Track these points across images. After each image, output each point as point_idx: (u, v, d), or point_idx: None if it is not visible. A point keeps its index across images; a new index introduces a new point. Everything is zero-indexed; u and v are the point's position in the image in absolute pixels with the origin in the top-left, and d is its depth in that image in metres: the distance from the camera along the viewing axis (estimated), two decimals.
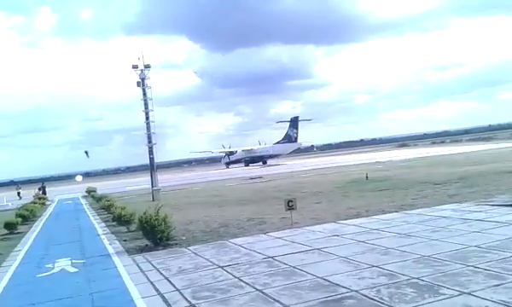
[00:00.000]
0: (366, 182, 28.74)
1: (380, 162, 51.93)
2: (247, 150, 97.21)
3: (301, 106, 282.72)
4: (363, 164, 50.33)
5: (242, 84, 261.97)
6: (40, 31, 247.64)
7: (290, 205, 14.86)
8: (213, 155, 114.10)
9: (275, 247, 11.61)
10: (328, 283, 8.03)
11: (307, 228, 13.97)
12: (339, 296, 7.31)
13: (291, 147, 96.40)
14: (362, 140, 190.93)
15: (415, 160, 48.97)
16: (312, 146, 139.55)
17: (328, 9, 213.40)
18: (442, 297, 6.76)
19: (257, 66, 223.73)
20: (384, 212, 15.47)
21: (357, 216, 15.31)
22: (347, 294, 7.33)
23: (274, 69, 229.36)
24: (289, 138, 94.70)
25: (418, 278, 7.72)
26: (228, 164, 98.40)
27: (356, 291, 7.42)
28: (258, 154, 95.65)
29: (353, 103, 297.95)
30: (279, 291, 7.87)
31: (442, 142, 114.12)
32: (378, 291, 7.30)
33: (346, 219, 14.81)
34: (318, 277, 8.42)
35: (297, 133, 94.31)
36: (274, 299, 7.45)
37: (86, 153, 34.52)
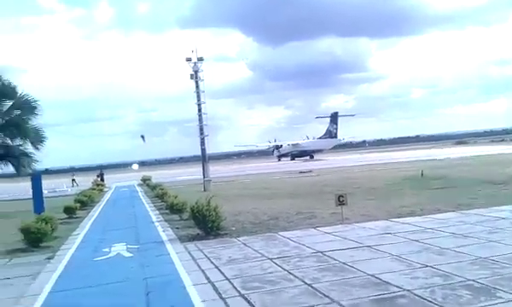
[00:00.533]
0: (421, 179, 27.91)
1: (436, 159, 50.23)
2: (294, 144, 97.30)
3: (354, 100, 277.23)
4: (419, 160, 48.84)
5: (294, 77, 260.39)
6: (98, 25, 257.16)
7: (341, 201, 14.67)
8: (258, 149, 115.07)
9: (324, 242, 11.53)
10: (379, 281, 7.89)
11: (358, 224, 13.77)
12: (390, 294, 7.16)
13: (332, 142, 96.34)
14: (418, 136, 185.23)
15: (473, 158, 46.98)
16: (364, 141, 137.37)
17: (384, 1, 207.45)
18: (499, 300, 6.48)
19: (309, 59, 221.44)
20: (439, 211, 14.96)
21: (411, 214, 14.90)
22: (399, 293, 7.17)
23: (326, 62, 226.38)
24: (330, 134, 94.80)
25: (474, 280, 7.44)
26: (279, 157, 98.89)
27: (408, 290, 7.24)
28: (303, 149, 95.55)
29: (409, 98, 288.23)
30: (328, 286, 7.81)
31: (502, 140, 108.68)
32: (432, 291, 7.10)
33: (398, 217, 14.45)
34: (369, 274, 8.29)
35: (336, 129, 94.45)
36: (323, 294, 7.41)
37: (142, 137, 35.73)
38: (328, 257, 9.93)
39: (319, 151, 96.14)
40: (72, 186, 52.56)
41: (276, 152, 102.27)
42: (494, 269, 8.01)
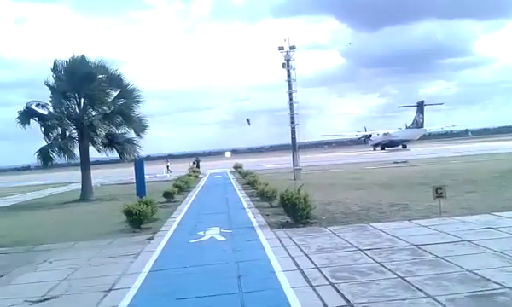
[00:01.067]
0: None
1: None
2: (384, 134, 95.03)
3: (455, 86, 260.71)
4: None
5: (389, 64, 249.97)
6: (197, 17, 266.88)
7: (439, 193, 13.92)
8: (348, 138, 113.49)
9: (419, 235, 11.07)
10: (478, 277, 7.43)
11: (457, 218, 13.01)
12: (490, 291, 6.73)
13: (419, 132, 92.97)
14: None
15: None
16: (467, 130, 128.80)
17: None
18: None
19: (406, 44, 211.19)
20: None
21: None
22: (500, 291, 6.71)
23: (425, 47, 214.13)
24: (417, 123, 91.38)
25: None
26: (375, 146, 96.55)
27: (510, 288, 6.75)
28: (392, 138, 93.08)
29: None
30: (423, 280, 7.51)
31: None
32: None
33: (502, 211, 13.42)
34: (467, 270, 7.83)
35: (423, 118, 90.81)
36: (417, 288, 7.14)
37: (248, 120, 36.39)
38: (424, 250, 9.52)
39: (407, 141, 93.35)
40: (167, 172, 55.27)
41: (369, 141, 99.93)
42: None
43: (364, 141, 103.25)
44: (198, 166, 57.82)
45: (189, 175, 40.84)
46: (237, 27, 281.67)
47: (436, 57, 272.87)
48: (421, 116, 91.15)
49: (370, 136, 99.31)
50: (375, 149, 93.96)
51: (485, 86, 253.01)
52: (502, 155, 43.21)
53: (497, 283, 7.03)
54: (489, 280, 7.23)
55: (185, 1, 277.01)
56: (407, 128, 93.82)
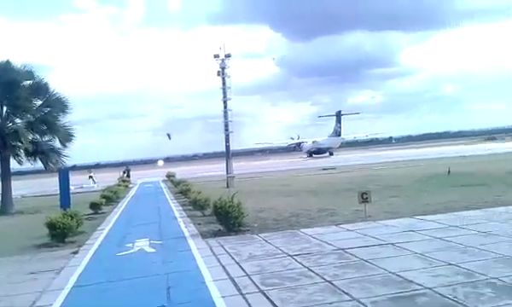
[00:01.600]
0: (448, 176, 27.35)
1: (465, 156, 49.15)
2: (313, 142, 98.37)
3: (382, 95, 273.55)
4: (446, 157, 47.87)
5: (321, 73, 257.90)
6: (131, 22, 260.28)
7: (364, 198, 14.52)
8: (281, 145, 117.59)
9: (346, 239, 11.45)
10: (400, 279, 7.78)
11: (381, 221, 13.59)
12: (411, 292, 7.06)
13: (338, 141, 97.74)
14: (447, 132, 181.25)
15: (502, 155, 45.74)
16: (391, 138, 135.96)
17: None
18: None
19: (337, 55, 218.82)
20: (465, 209, 14.67)
21: (436, 212, 14.60)
22: (420, 291, 7.06)
23: (355, 57, 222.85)
24: (336, 132, 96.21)
25: (497, 278, 7.27)
26: (310, 154, 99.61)
27: (430, 288, 7.13)
28: (319, 146, 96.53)
29: (440, 93, 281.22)
30: (348, 283, 7.75)
31: None
32: (453, 289, 6.97)
33: (423, 215, 14.21)
34: (390, 272, 8.18)
35: (340, 127, 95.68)
36: (343, 291, 7.35)
37: (168, 135, 35.56)
38: (350, 254, 9.86)
39: (330, 149, 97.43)
40: (93, 183, 52.91)
41: (303, 149, 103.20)
42: None
43: (294, 148, 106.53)
44: (128, 176, 56.10)
45: (119, 185, 39.56)
46: (172, 34, 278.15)
47: (365, 67, 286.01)
48: (339, 125, 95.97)
49: (300, 144, 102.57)
50: (308, 156, 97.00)
51: (410, 96, 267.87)
52: (423, 162, 45.87)
53: (418, 284, 7.38)
54: (411, 281, 7.58)
55: (119, 5, 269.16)
56: (329, 136, 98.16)
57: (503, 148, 58.05)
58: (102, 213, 21.92)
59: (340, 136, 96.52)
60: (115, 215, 21.35)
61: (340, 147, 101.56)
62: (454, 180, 24.45)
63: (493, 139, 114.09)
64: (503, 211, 13.78)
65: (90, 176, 56.21)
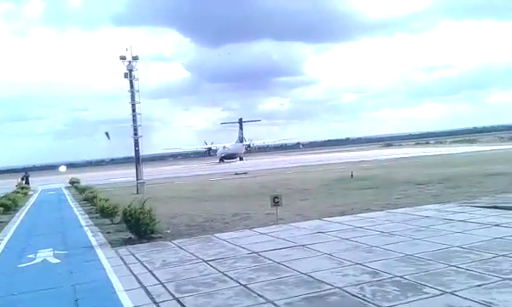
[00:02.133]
0: (351, 180, 28.92)
1: (365, 161, 52.27)
2: (223, 147, 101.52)
3: (289, 103, 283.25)
4: (349, 162, 50.59)
5: (231, 80, 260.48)
6: (28, 19, 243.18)
7: (276, 202, 14.87)
8: (194, 150, 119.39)
9: (260, 243, 11.62)
10: (312, 279, 8.06)
11: (292, 224, 14.00)
12: (322, 292, 7.34)
13: (242, 146, 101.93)
14: (348, 138, 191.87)
15: (399, 160, 49.38)
16: (298, 143, 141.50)
17: (318, 7, 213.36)
18: (425, 296, 6.82)
19: (246, 62, 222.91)
20: (368, 211, 15.58)
21: (342, 213, 15.38)
22: (331, 291, 7.36)
23: (263, 65, 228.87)
24: (240, 139, 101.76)
25: (401, 276, 7.79)
26: (221, 159, 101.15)
27: (339, 288, 7.46)
28: (229, 152, 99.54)
29: (341, 102, 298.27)
30: (263, 286, 7.88)
31: (426, 143, 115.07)
32: (361, 288, 7.35)
33: (330, 217, 14.87)
34: (302, 273, 8.45)
35: (242, 134, 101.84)
36: (258, 294, 7.45)
37: (107, 134, 32.96)
38: (264, 257, 10.02)
39: (238, 154, 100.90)
40: None
41: (217, 153, 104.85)
42: (419, 265, 8.43)
43: (206, 153, 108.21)
44: (27, 182, 52.42)
45: (17, 192, 36.75)
46: (74, 33, 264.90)
47: (272, 75, 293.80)
48: (241, 131, 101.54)
49: (210, 149, 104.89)
50: (219, 161, 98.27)
51: (314, 103, 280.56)
52: (329, 166, 48.04)
53: (328, 284, 7.70)
54: (321, 281, 7.88)
55: (14, 1, 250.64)
56: (236, 142, 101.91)
57: (400, 154, 62.70)
58: (0, 223, 20.20)
59: (242, 142, 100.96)
60: (14, 224, 19.78)
61: (249, 152, 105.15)
62: (357, 183, 25.91)
63: (390, 145, 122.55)
64: (403, 212, 14.82)
65: None
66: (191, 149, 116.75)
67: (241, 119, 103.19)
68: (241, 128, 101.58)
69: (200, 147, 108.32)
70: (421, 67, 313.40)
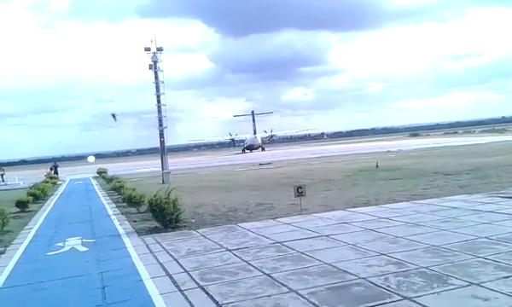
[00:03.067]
0: (376, 170, 28.62)
1: (391, 151, 51.61)
2: (243, 139, 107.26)
3: (313, 93, 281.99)
4: (374, 152, 50.05)
5: (255, 70, 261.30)
6: (55, 13, 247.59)
7: (299, 192, 14.86)
8: (218, 141, 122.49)
9: (283, 233, 11.63)
10: (335, 269, 8.03)
11: (316, 214, 13.95)
12: (346, 282, 7.30)
13: (260, 138, 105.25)
14: (373, 129, 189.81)
15: (426, 150, 48.57)
16: (323, 133, 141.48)
17: None
18: (451, 287, 6.72)
19: (270, 52, 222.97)
20: (394, 201, 15.40)
21: (367, 204, 15.25)
22: (355, 281, 7.32)
23: (287, 55, 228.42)
24: (254, 131, 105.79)
25: (427, 267, 7.68)
26: (244, 150, 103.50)
27: (364, 278, 7.41)
28: (249, 143, 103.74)
29: (366, 91, 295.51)
30: (287, 275, 7.89)
31: (454, 133, 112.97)
32: (386, 278, 7.29)
33: (355, 207, 14.77)
34: (326, 263, 8.42)
35: (255, 125, 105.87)
36: (281, 284, 7.47)
37: (114, 116, 33.42)
38: (287, 247, 10.02)
39: (258, 145, 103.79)
40: (1, 181, 49.83)
41: (244, 144, 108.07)
42: (446, 256, 8.29)
43: (230, 144, 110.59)
44: (56, 172, 53.69)
45: (46, 182, 37.66)
46: (100, 26, 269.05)
47: (296, 65, 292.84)
48: (253, 124, 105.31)
49: (234, 140, 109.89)
50: (244, 152, 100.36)
51: (339, 93, 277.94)
52: (354, 156, 47.65)
53: (352, 274, 7.65)
54: (346, 271, 7.84)
55: None
56: (254, 134, 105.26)
57: (427, 144, 61.66)
58: (30, 211, 20.82)
59: (255, 133, 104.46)
60: (44, 213, 20.31)
61: (273, 142, 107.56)
62: (382, 174, 25.62)
63: (417, 135, 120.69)
64: (429, 202, 14.59)
65: (1, 174, 53.16)
66: (215, 140, 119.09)
67: (253, 112, 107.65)
68: (253, 121, 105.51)
69: (225, 139, 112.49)
70: (450, 56, 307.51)
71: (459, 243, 9.16)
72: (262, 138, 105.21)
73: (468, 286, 6.70)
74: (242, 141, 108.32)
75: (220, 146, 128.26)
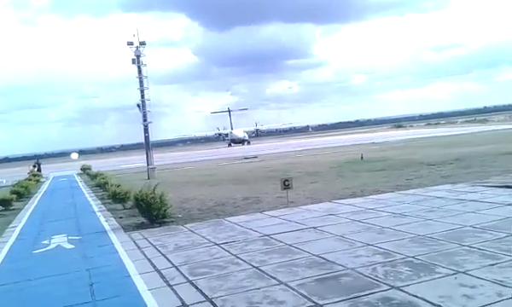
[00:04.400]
0: (361, 162, 28.84)
1: (375, 142, 52.04)
2: (229, 133, 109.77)
3: (298, 85, 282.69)
4: (359, 144, 50.40)
5: (240, 63, 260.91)
6: (37, 8, 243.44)
7: (286, 185, 14.91)
8: (204, 136, 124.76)
9: (271, 226, 11.66)
10: (324, 261, 8.08)
11: (303, 207, 14.01)
12: (335, 273, 7.36)
13: (244, 132, 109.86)
14: (357, 120, 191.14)
15: (410, 141, 49.08)
16: (308, 126, 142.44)
17: None
18: (437, 275, 6.81)
19: (255, 45, 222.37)
20: (379, 192, 15.53)
21: (353, 195, 15.37)
22: (343, 272, 7.38)
23: (272, 48, 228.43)
24: (230, 126, 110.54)
25: (413, 257, 7.78)
26: (230, 144, 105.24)
27: (352, 268, 7.47)
28: (235, 137, 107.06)
29: (350, 83, 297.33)
30: (275, 268, 7.92)
31: (437, 124, 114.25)
32: (373, 269, 7.36)
33: (341, 199, 14.86)
34: (314, 255, 8.47)
35: (230, 122, 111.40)
36: (270, 276, 7.50)
37: (139, 106, 33.22)
38: (275, 239, 10.06)
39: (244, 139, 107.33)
40: None
41: (226, 139, 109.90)
42: (432, 245, 8.41)
43: (217, 138, 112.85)
44: (39, 170, 53.00)
45: (29, 179, 37.17)
46: (83, 20, 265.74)
47: (281, 58, 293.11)
48: (229, 119, 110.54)
49: (221, 134, 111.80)
50: (230, 146, 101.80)
51: (323, 85, 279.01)
52: (339, 148, 47.93)
53: (340, 265, 7.71)
54: (334, 262, 7.90)
55: None
56: (233, 129, 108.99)
57: (410, 135, 62.31)
58: (14, 210, 20.55)
59: (232, 129, 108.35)
60: (28, 211, 20.06)
61: (258, 136, 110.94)
62: (367, 165, 25.83)
63: (400, 126, 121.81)
64: (413, 193, 14.76)
65: None
66: (202, 134, 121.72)
67: (229, 108, 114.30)
68: (229, 116, 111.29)
69: (212, 134, 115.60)
70: (432, 47, 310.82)
71: (444, 232, 9.28)
72: (248, 132, 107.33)
73: (454, 274, 6.79)
74: (226, 135, 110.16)
75: (206, 140, 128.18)
